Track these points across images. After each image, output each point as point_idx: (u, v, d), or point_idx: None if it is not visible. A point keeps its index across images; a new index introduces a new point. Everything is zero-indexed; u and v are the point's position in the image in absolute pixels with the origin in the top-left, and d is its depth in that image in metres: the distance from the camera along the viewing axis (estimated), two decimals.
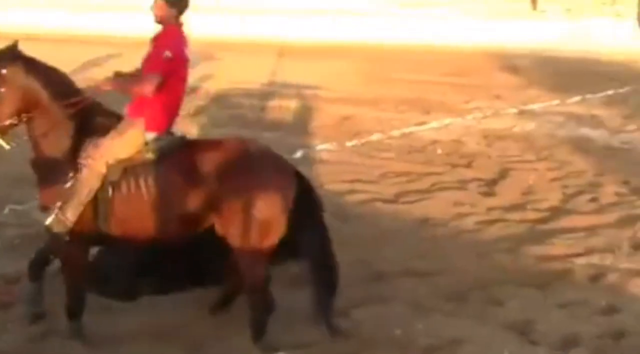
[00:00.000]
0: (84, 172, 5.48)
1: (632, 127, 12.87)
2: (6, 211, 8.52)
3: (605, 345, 5.75)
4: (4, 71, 5.44)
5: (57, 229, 5.52)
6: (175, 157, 5.63)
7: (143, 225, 5.58)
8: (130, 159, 5.59)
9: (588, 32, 22.60)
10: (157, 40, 5.78)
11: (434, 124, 13.09)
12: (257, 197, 5.48)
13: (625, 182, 9.70)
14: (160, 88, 5.56)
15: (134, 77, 5.78)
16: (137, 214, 5.55)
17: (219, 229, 5.59)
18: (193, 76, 18.28)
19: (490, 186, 9.68)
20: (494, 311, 6.26)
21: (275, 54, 21.31)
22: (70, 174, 5.50)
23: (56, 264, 5.95)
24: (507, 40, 22.02)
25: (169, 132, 5.79)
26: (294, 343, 5.76)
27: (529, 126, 12.97)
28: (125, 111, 5.77)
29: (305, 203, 5.74)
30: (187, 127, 12.70)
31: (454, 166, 10.58)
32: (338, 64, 19.68)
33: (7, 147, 5.62)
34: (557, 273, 6.93)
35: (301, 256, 5.88)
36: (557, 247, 7.57)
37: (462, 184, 9.73)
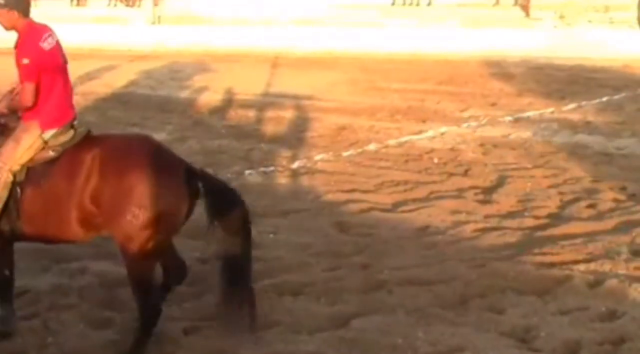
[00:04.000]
0: None
1: (627, 133, 12.89)
2: None
3: (606, 351, 5.75)
4: None
5: None
6: (71, 153, 5.72)
7: (48, 224, 5.67)
8: (33, 159, 5.72)
9: (582, 39, 22.65)
10: (16, 51, 5.83)
11: (430, 133, 13.10)
12: (137, 193, 5.41)
13: (623, 188, 9.71)
14: (40, 91, 5.69)
15: (15, 93, 5.87)
16: (41, 213, 5.65)
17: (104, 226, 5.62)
18: (189, 88, 18.48)
19: (487, 194, 9.68)
20: (494, 318, 6.26)
21: (270, 64, 21.34)
22: None
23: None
24: (501, 48, 22.05)
25: (71, 125, 5.87)
26: (296, 353, 5.75)
27: (525, 133, 12.99)
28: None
29: (213, 198, 5.65)
30: (184, 139, 12.74)
31: (451, 174, 10.59)
32: (332, 74, 19.70)
33: None
34: (557, 280, 6.92)
35: (217, 249, 5.85)
36: (556, 254, 7.56)
37: (460, 193, 9.74)
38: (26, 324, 6.13)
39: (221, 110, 15.32)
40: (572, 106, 15.06)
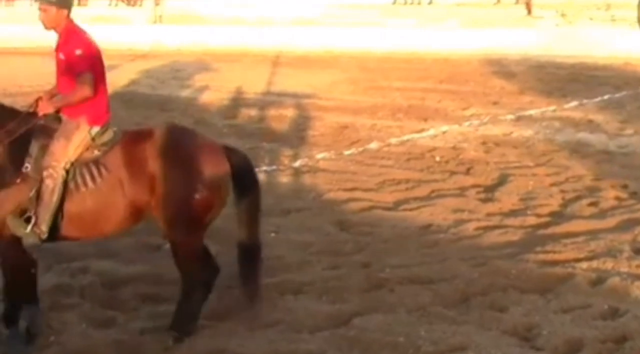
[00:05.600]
0: (48, 183, 5.58)
1: (629, 131, 12.89)
2: None
3: (609, 349, 5.73)
4: None
5: (30, 240, 5.62)
6: (117, 150, 5.81)
7: (96, 220, 5.78)
8: (78, 158, 5.75)
9: (583, 37, 22.65)
10: (62, 47, 5.84)
11: (431, 131, 13.10)
12: (191, 177, 5.76)
13: (624, 186, 9.70)
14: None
15: (69, 89, 5.83)
16: (90, 210, 5.72)
17: (155, 210, 5.79)
18: (190, 87, 18.44)
19: (489, 192, 9.68)
20: (496, 316, 6.24)
21: (270, 63, 21.34)
22: (18, 181, 5.60)
23: None
24: (503, 47, 22.05)
25: (109, 125, 5.96)
26: (298, 351, 5.75)
27: (527, 131, 12.99)
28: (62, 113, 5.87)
29: (241, 179, 6.03)
30: None
31: (453, 172, 10.58)
32: (333, 73, 19.70)
33: None
34: (559, 278, 6.90)
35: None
36: (558, 252, 7.55)
37: (462, 191, 9.73)
38: None
39: (222, 109, 15.32)
40: (573, 104, 15.06)
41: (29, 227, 5.57)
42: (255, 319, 6.17)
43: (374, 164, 11.09)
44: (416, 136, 12.81)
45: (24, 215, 5.61)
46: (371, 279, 6.96)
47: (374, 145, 12.18)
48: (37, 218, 5.58)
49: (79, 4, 31.97)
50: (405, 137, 12.66)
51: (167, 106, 15.61)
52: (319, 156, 11.51)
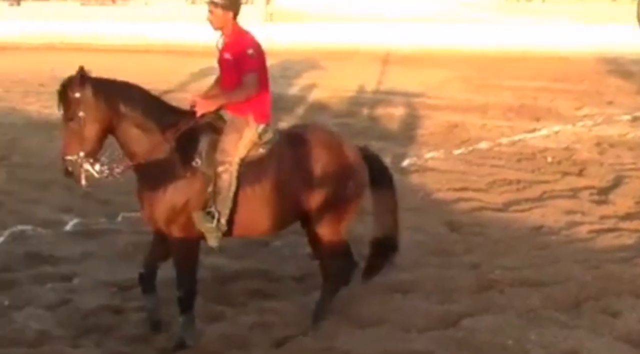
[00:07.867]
0: (225, 177, 5.75)
1: None
2: (119, 218, 8.76)
3: None
4: (77, 95, 5.59)
5: (214, 235, 5.80)
6: (281, 150, 5.99)
7: (262, 218, 5.97)
8: (247, 155, 5.89)
9: None
10: (230, 47, 5.97)
11: (543, 131, 12.88)
12: (344, 180, 6.06)
13: None
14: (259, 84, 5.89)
15: (235, 87, 5.94)
16: (256, 208, 5.91)
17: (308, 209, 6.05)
18: (299, 85, 18.52)
19: (603, 194, 9.44)
20: (609, 322, 6.09)
21: (379, 61, 21.30)
22: (188, 175, 5.75)
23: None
24: (619, 45, 21.46)
25: (270, 125, 6.09)
26: (405, 351, 5.73)
27: None
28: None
29: (378, 180, 6.35)
30: None
31: (565, 174, 10.37)
32: (444, 71, 19.54)
33: (96, 175, 5.75)
34: None
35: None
36: None
37: (574, 193, 9.52)
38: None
39: (331, 107, 15.37)
40: None
41: (215, 222, 5.75)
42: (361, 318, 6.20)
43: (483, 164, 10.97)
44: (528, 135, 12.60)
45: (204, 210, 5.79)
46: (481, 280, 6.89)
47: (484, 145, 12.05)
48: (218, 213, 5.75)
49: (192, 2, 32.59)
50: (516, 137, 12.48)
51: (277, 104, 15.60)
52: (428, 155, 11.46)
